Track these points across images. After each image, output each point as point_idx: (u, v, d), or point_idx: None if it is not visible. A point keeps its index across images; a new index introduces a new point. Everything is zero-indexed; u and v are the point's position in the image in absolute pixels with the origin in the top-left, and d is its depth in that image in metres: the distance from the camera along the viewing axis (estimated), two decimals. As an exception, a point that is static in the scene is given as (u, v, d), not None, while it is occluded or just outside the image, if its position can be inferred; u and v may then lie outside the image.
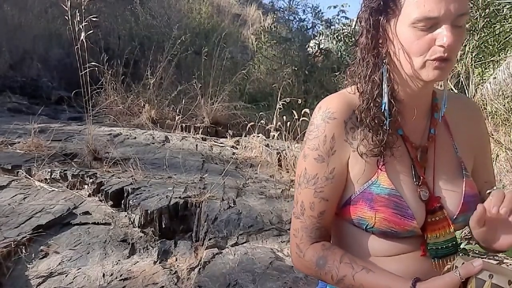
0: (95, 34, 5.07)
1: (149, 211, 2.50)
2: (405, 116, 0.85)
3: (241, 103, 5.81)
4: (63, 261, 2.12)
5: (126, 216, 2.62)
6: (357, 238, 0.87)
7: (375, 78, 0.82)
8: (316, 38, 8.04)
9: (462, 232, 2.23)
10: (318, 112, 0.86)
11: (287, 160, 3.85)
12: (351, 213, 0.85)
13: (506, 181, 3.24)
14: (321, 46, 7.87)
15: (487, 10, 3.55)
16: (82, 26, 3.24)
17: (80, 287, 1.96)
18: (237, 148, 4.60)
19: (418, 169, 0.85)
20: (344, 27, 7.75)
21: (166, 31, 7.07)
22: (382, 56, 0.82)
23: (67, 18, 3.27)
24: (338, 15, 7.78)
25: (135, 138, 4.35)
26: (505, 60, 3.27)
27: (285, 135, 3.90)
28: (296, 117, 3.58)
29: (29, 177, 2.97)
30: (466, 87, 3.61)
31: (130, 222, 2.55)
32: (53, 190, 2.83)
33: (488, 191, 0.79)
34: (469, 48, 3.63)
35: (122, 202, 2.73)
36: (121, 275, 2.06)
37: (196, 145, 4.37)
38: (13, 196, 2.66)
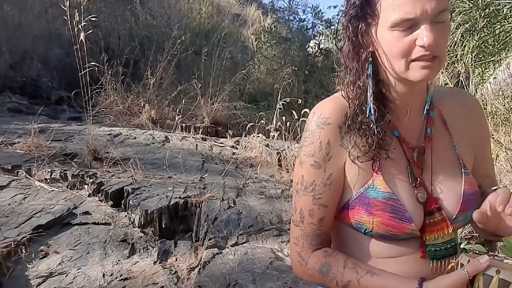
0: (95, 34, 5.07)
1: (149, 211, 2.50)
2: (400, 117, 0.85)
3: (241, 103, 5.81)
4: (63, 261, 2.12)
5: (126, 216, 2.62)
6: (356, 241, 0.87)
7: (360, 83, 0.82)
8: (316, 38, 8.04)
9: (462, 232, 2.23)
10: (313, 118, 0.86)
11: (287, 160, 3.84)
12: (349, 217, 0.85)
13: (506, 181, 3.24)
14: (321, 46, 7.86)
15: (487, 10, 3.54)
16: (82, 26, 3.24)
17: (80, 287, 1.96)
18: (237, 148, 4.59)
19: (415, 170, 0.85)
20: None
21: (166, 31, 7.07)
22: (364, 61, 0.82)
23: (66, 18, 3.26)
24: (338, 15, 7.78)
25: (135, 138, 4.35)
26: (505, 60, 3.27)
27: (285, 135, 3.90)
28: (296, 117, 3.58)
29: (29, 177, 2.96)
30: (466, 87, 3.61)
31: (130, 222, 2.54)
32: (53, 190, 2.83)
33: (494, 188, 0.78)
34: (469, 48, 3.63)
35: (122, 202, 2.73)
36: (121, 275, 2.06)
37: (196, 145, 4.37)
38: (13, 196, 2.66)
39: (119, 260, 2.19)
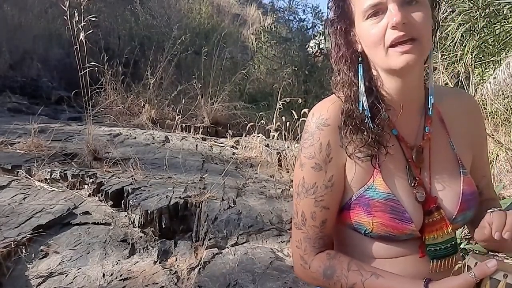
0: (95, 34, 5.06)
1: (149, 211, 2.50)
2: (397, 116, 0.85)
3: (241, 103, 5.81)
4: (63, 261, 2.12)
5: (126, 216, 2.62)
6: (356, 242, 0.87)
7: (352, 82, 0.83)
8: (316, 38, 8.03)
9: (462, 232, 2.23)
10: (312, 119, 0.86)
11: (287, 160, 3.84)
12: (349, 218, 0.85)
13: (506, 181, 3.24)
14: (321, 46, 7.86)
15: (487, 10, 3.54)
16: (82, 26, 3.24)
17: (80, 287, 1.96)
18: (237, 148, 4.59)
19: (413, 170, 0.84)
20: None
21: (166, 31, 7.07)
22: (352, 61, 0.83)
23: (66, 18, 3.26)
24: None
25: (135, 138, 4.35)
26: (505, 60, 3.27)
27: (285, 135, 3.90)
28: (296, 117, 3.58)
29: (29, 177, 2.96)
30: (466, 87, 3.61)
31: (130, 222, 2.54)
32: (53, 190, 2.83)
33: (489, 211, 0.77)
34: (469, 48, 3.63)
35: (122, 202, 2.73)
36: (121, 275, 2.06)
37: (196, 145, 4.37)
38: (13, 196, 2.65)
39: (119, 260, 2.19)
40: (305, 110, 3.28)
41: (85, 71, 3.36)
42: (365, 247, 0.85)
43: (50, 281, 1.97)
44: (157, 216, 2.49)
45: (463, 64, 3.64)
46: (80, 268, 2.08)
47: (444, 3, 3.63)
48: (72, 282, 1.98)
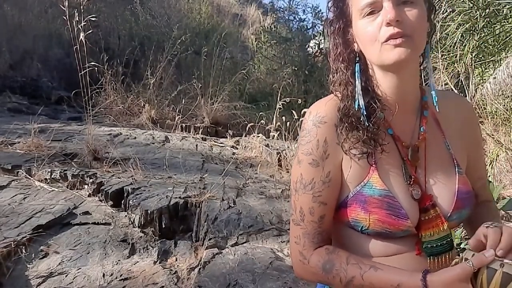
0: (95, 34, 5.07)
1: (149, 211, 2.50)
2: (393, 115, 0.86)
3: (241, 103, 5.81)
4: (63, 261, 2.12)
5: (126, 216, 2.62)
6: (353, 240, 0.87)
7: (349, 81, 0.85)
8: (316, 38, 8.04)
9: (462, 232, 2.23)
10: (309, 117, 0.88)
11: (287, 160, 3.85)
12: (346, 215, 0.85)
13: (506, 181, 3.24)
14: (321, 46, 7.86)
15: (487, 10, 3.54)
16: (81, 26, 3.24)
17: (80, 287, 1.96)
18: (237, 148, 4.59)
19: (409, 168, 0.86)
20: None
21: (166, 31, 7.07)
22: (350, 60, 0.85)
23: (65, 18, 3.26)
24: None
25: (135, 138, 4.35)
26: (505, 60, 3.27)
27: (285, 135, 3.90)
28: (296, 117, 3.58)
29: (29, 177, 2.97)
30: (466, 87, 3.61)
31: (130, 222, 2.54)
32: (53, 190, 2.83)
33: (485, 225, 0.76)
34: (469, 48, 3.63)
35: (122, 202, 2.73)
36: (121, 275, 2.06)
37: (196, 145, 4.37)
38: (13, 196, 2.66)
39: (119, 260, 2.19)
40: (305, 110, 3.28)
41: (85, 71, 3.36)
42: (362, 245, 0.86)
43: (50, 281, 1.98)
44: (157, 216, 2.49)
45: (463, 64, 3.64)
46: (80, 268, 2.08)
47: (444, 3, 3.63)
48: (72, 282, 1.98)
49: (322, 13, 8.12)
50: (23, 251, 2.12)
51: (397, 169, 0.85)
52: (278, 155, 3.98)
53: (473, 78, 3.60)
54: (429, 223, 0.83)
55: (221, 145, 4.68)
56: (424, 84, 0.96)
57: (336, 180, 0.86)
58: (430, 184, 0.86)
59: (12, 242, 2.12)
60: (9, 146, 3.52)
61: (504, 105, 3.50)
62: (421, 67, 0.91)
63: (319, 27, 8.21)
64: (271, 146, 4.26)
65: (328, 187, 0.85)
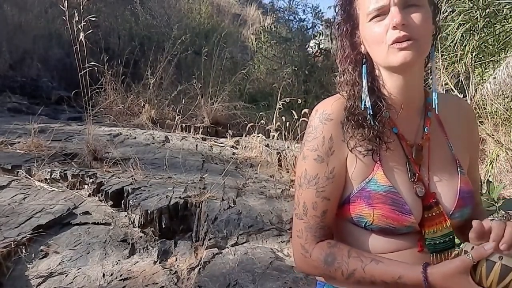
0: (95, 34, 5.07)
1: (149, 211, 2.50)
2: (398, 114, 0.88)
3: (241, 103, 5.81)
4: (63, 261, 2.12)
5: (126, 216, 2.62)
6: (356, 237, 0.89)
7: (355, 82, 0.88)
8: (316, 38, 8.04)
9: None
10: (315, 115, 0.90)
11: (287, 160, 3.84)
12: (350, 212, 0.87)
13: (506, 181, 3.24)
14: (321, 46, 7.86)
15: (487, 10, 3.54)
16: (81, 26, 3.24)
17: (80, 287, 1.96)
18: (237, 148, 4.59)
19: (413, 166, 0.87)
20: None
21: (166, 31, 7.07)
22: (357, 61, 0.88)
23: (65, 18, 3.26)
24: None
25: (135, 138, 4.35)
26: (505, 60, 3.27)
27: (285, 135, 3.90)
28: (296, 117, 3.58)
29: (29, 177, 2.96)
30: (466, 87, 3.61)
31: (130, 222, 2.54)
32: (53, 190, 2.83)
33: (490, 219, 0.78)
34: (469, 48, 3.62)
35: (122, 202, 2.73)
36: (121, 275, 2.06)
37: (196, 145, 4.37)
38: (13, 196, 2.66)
39: (119, 260, 2.19)
40: (305, 110, 3.28)
41: (85, 71, 3.36)
42: (364, 241, 0.87)
43: (50, 281, 1.97)
44: (157, 216, 2.49)
45: (463, 64, 3.64)
46: (80, 268, 2.08)
47: (444, 3, 3.63)
48: (72, 282, 1.98)
49: (322, 13, 8.14)
50: (23, 251, 2.12)
51: (401, 167, 0.87)
52: (278, 155, 3.98)
53: (473, 78, 3.60)
54: (432, 220, 0.85)
55: (221, 145, 4.68)
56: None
57: (340, 176, 0.87)
58: (434, 182, 0.88)
59: (12, 242, 2.12)
60: (9, 146, 3.52)
61: (504, 105, 3.50)
62: (426, 69, 0.93)
63: (319, 27, 8.23)
64: (271, 146, 4.26)
65: (332, 183, 0.87)
